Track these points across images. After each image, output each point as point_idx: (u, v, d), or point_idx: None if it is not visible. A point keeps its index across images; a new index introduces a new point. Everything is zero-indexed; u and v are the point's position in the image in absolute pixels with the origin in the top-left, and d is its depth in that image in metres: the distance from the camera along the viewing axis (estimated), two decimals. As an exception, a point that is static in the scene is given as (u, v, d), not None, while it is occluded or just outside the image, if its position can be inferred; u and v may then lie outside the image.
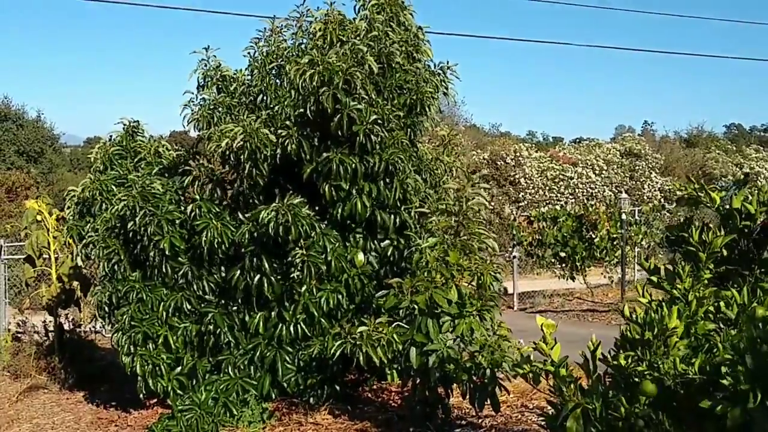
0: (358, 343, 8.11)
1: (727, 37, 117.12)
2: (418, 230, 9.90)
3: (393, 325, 8.31)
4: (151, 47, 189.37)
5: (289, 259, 9.28)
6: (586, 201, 32.36)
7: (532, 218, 21.86)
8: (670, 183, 36.82)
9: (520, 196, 34.25)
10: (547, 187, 35.21)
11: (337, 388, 10.00)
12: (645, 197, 35.16)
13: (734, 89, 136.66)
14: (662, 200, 34.14)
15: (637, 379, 4.56)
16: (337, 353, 8.35)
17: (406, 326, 8.31)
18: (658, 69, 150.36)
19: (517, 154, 35.83)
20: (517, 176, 34.51)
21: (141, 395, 10.20)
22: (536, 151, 39.21)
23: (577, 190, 35.36)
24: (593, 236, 21.36)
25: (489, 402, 8.06)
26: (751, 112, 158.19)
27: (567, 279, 21.27)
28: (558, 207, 26.28)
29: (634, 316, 5.05)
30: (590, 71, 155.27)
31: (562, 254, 21.21)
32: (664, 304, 5.06)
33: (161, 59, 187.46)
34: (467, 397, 8.17)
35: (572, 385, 4.72)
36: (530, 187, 34.85)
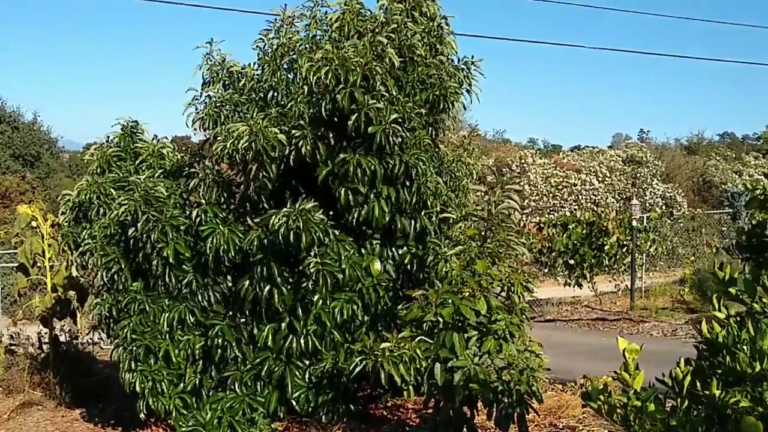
0: (380, 359, 7.36)
1: (717, 41, 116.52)
2: (439, 237, 9.23)
3: (416, 340, 7.57)
4: (154, 48, 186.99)
5: (301, 267, 8.58)
6: (594, 207, 31.66)
7: (542, 225, 21.15)
8: (671, 190, 36.28)
9: (524, 203, 33.51)
10: (551, 194, 34.51)
11: (351, 406, 9.29)
12: (647, 204, 34.49)
13: (727, 98, 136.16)
14: (664, 207, 33.53)
15: (729, 411, 3.82)
16: (357, 370, 7.58)
17: (429, 341, 7.59)
18: (653, 77, 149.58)
19: (522, 160, 35.20)
20: (521, 183, 33.76)
21: (141, 414, 9.45)
22: (540, 158, 38.55)
23: (580, 196, 34.67)
24: (604, 243, 20.75)
25: (516, 423, 7.38)
26: (744, 121, 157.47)
27: (573, 287, 20.57)
28: (568, 213, 25.62)
29: (714, 334, 4.29)
30: (587, 80, 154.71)
31: (571, 261, 20.51)
32: (748, 320, 4.29)
33: (165, 62, 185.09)
34: (493, 417, 7.49)
35: (659, 423, 3.97)
36: (534, 194, 34.15)
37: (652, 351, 13.70)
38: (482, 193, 7.97)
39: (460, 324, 7.47)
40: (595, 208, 30.33)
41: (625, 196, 35.42)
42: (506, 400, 7.39)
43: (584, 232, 20.71)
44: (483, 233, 7.81)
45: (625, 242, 21.34)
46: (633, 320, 18.08)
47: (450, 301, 7.42)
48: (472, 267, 7.60)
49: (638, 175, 37.24)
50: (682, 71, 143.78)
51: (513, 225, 8.00)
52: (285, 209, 8.28)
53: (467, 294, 7.52)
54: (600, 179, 35.95)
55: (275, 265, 8.57)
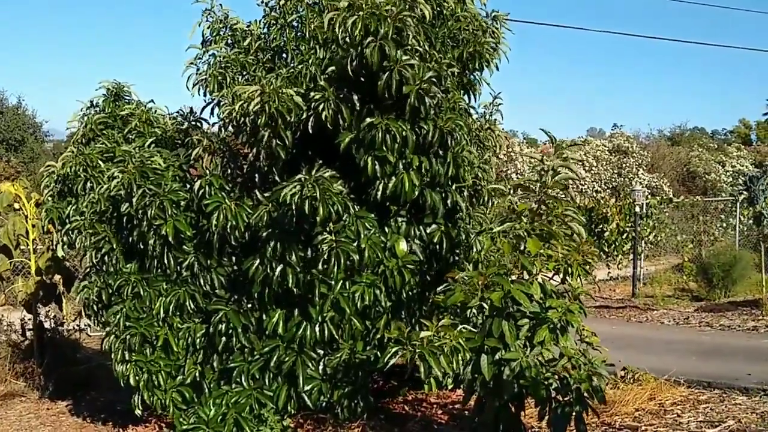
0: (418, 350, 6.10)
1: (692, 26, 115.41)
2: (470, 214, 8.07)
3: (458, 329, 6.35)
4: (142, 28, 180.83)
5: (314, 245, 7.38)
6: (595, 195, 30.69)
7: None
8: (656, 179, 35.45)
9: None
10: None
11: (371, 400, 8.10)
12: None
13: (697, 94, 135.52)
14: (650, 196, 32.70)
15: None
16: (392, 362, 6.30)
17: (473, 330, 6.40)
18: (624, 69, 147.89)
19: (510, 149, 34.08)
20: (509, 171, 32.68)
21: (137, 410, 8.24)
22: (527, 147, 37.56)
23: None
24: (603, 230, 19.80)
25: (573, 425, 6.22)
26: (713, 118, 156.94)
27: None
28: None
29: None
30: (559, 74, 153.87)
31: (570, 248, 19.48)
32: None
33: (153, 44, 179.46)
34: (545, 418, 6.33)
35: None
36: (522, 182, 33.01)
37: (674, 340, 12.79)
38: (536, 161, 6.77)
39: (510, 310, 6.31)
40: (596, 196, 29.43)
41: (611, 186, 34.60)
42: (562, 399, 6.26)
43: (583, 218, 19.79)
44: (535, 208, 6.62)
45: (624, 229, 20.45)
46: (639, 308, 17.02)
47: (499, 284, 6.24)
48: (524, 246, 6.41)
49: (624, 164, 36.40)
50: (655, 65, 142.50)
51: (570, 198, 6.84)
52: (299, 176, 7.04)
53: (517, 276, 6.37)
54: (587, 169, 35.05)
55: (288, 243, 7.34)
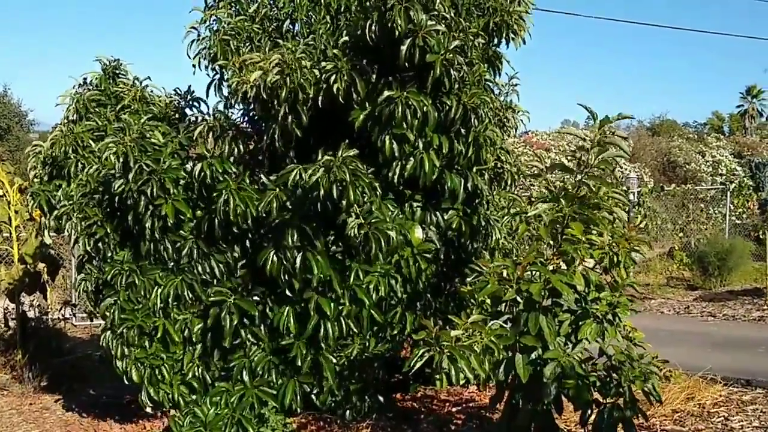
0: (447, 351, 5.29)
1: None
2: (491, 199, 7.33)
3: (489, 325, 5.57)
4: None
5: (337, 232, 6.67)
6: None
7: (532, 199, 19.47)
8: (638, 169, 34.98)
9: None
10: (521, 173, 32.81)
11: (381, 399, 7.39)
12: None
13: (665, 87, 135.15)
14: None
15: None
16: (418, 364, 5.46)
17: (505, 326, 5.64)
18: (592, 60, 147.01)
19: (495, 138, 33.53)
20: (491, 161, 32.16)
21: (147, 408, 7.46)
22: (509, 137, 36.92)
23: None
24: (592, 218, 19.19)
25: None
26: (683, 110, 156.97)
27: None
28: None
29: None
30: (534, 65, 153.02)
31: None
32: None
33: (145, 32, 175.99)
34: (589, 423, 5.60)
35: None
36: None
37: (680, 331, 12.09)
38: (579, 138, 6.04)
39: (546, 304, 5.55)
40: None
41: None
42: (604, 401, 5.54)
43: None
44: (574, 189, 5.85)
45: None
46: (635, 297, 16.31)
47: (538, 274, 5.49)
48: (567, 231, 5.66)
49: (606, 154, 35.90)
50: (626, 55, 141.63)
51: (615, 180, 6.11)
52: (326, 158, 6.23)
53: (557, 265, 5.61)
54: (569, 159, 34.52)
55: (310, 229, 6.56)
